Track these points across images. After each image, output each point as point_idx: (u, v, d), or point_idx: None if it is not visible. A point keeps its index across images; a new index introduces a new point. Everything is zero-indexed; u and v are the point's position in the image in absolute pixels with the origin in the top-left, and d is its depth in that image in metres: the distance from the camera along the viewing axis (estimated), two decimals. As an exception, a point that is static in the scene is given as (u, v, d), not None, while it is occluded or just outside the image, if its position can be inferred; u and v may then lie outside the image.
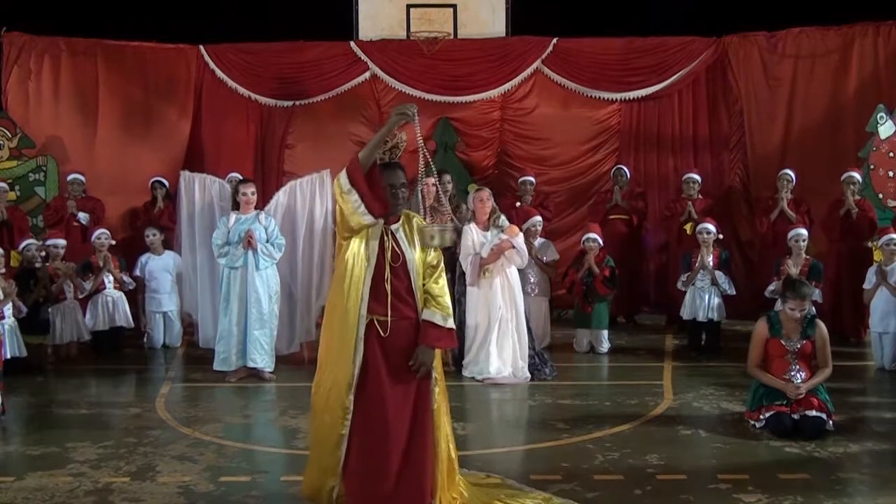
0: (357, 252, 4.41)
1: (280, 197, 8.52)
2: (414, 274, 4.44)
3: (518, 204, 10.14)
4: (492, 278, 7.85)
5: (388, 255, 4.40)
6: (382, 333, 4.35)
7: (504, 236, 7.83)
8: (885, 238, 8.41)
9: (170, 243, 9.74)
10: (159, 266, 9.53)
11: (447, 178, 9.58)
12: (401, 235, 4.47)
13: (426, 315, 4.42)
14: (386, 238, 4.44)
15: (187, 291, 8.88)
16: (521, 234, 8.02)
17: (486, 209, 7.99)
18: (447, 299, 4.50)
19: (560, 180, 11.43)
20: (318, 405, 4.46)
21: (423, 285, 4.46)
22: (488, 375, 7.74)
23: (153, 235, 9.60)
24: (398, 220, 4.51)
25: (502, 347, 7.82)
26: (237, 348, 7.84)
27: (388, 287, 4.38)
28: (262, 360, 7.84)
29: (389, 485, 4.33)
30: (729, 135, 11.32)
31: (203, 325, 8.69)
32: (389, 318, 4.37)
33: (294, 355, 8.52)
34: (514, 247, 7.80)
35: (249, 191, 7.99)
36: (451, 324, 4.46)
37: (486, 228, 7.96)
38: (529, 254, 8.97)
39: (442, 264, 4.56)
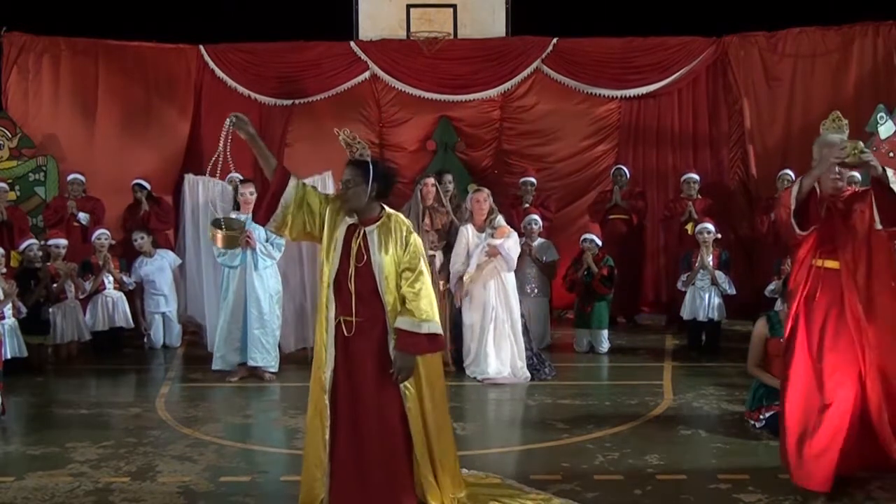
0: (325, 254, 4.42)
1: None
2: (381, 276, 4.35)
3: (527, 206, 10.11)
4: (485, 280, 7.82)
5: (353, 254, 4.37)
6: (346, 333, 4.34)
7: (493, 241, 7.78)
8: (889, 239, 8.41)
9: (159, 243, 9.75)
10: (154, 268, 9.54)
11: (448, 177, 9.57)
12: (374, 237, 4.40)
13: (398, 322, 4.33)
14: (355, 239, 4.39)
15: (192, 295, 8.88)
16: (512, 235, 7.94)
17: (482, 210, 7.95)
18: (423, 303, 4.35)
19: (559, 177, 11.43)
20: (310, 410, 4.48)
21: (399, 288, 4.38)
22: (487, 376, 7.73)
23: (141, 239, 9.60)
24: (375, 221, 4.43)
25: (500, 348, 7.82)
26: (235, 347, 7.85)
27: (351, 287, 4.35)
28: (263, 359, 7.84)
29: (365, 487, 4.32)
30: (728, 134, 11.32)
31: (210, 327, 8.67)
32: (354, 319, 4.34)
33: (298, 355, 8.52)
34: (499, 253, 7.74)
35: (248, 191, 8.01)
36: (427, 328, 4.31)
37: (482, 230, 7.93)
38: (529, 254, 8.99)
39: (421, 267, 4.40)
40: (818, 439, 4.73)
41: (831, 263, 4.79)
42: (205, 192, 8.71)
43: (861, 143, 4.72)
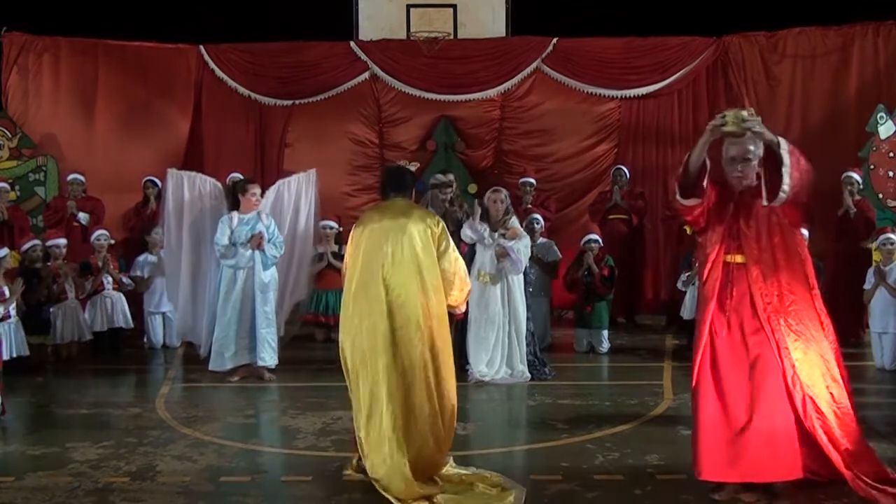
0: None
1: (269, 196, 8.52)
2: None
3: (527, 206, 10.11)
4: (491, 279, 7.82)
5: None
6: None
7: (504, 242, 7.76)
8: (881, 238, 8.41)
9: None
10: (158, 268, 9.50)
11: (450, 177, 9.55)
12: None
13: None
14: None
15: (171, 290, 8.78)
16: (524, 238, 7.90)
17: (498, 210, 7.91)
18: None
19: (559, 177, 11.44)
20: None
21: None
22: (486, 375, 7.73)
23: (156, 234, 9.53)
24: None
25: (499, 348, 7.80)
26: (238, 346, 7.83)
27: None
28: (271, 357, 7.85)
29: None
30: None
31: (182, 318, 8.64)
32: None
33: (299, 356, 8.55)
34: (508, 255, 7.72)
35: (259, 192, 8.00)
36: None
37: (496, 229, 7.88)
38: (530, 254, 8.96)
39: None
40: (779, 427, 4.63)
41: (740, 258, 4.72)
42: (191, 188, 8.56)
43: (744, 112, 4.52)
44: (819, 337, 4.73)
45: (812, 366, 4.67)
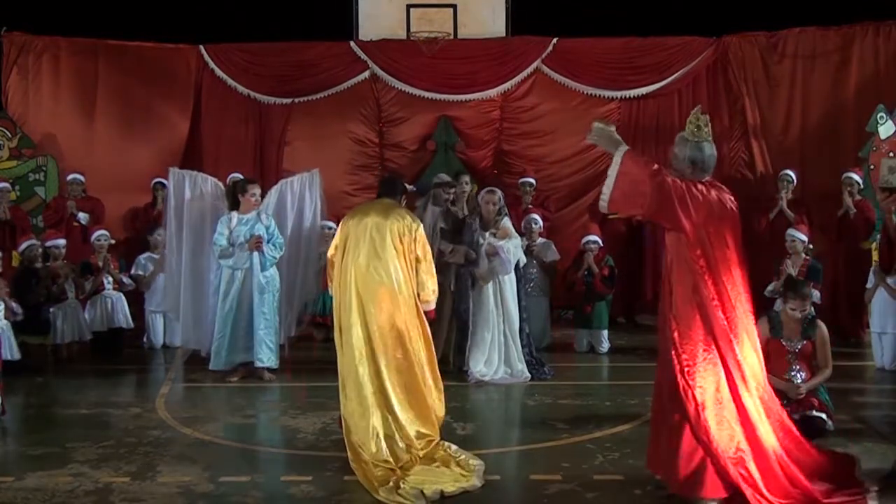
0: None
1: (272, 195, 8.53)
2: None
3: (527, 206, 10.10)
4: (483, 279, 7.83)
5: None
6: None
7: (494, 241, 7.78)
8: (879, 238, 8.42)
9: None
10: (159, 266, 9.50)
11: (465, 178, 9.55)
12: None
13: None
14: None
15: (171, 291, 8.79)
16: (513, 239, 7.91)
17: (489, 211, 7.95)
18: None
19: (559, 177, 11.44)
20: None
21: None
22: (486, 375, 7.73)
23: (159, 236, 9.53)
24: None
25: (495, 347, 7.80)
26: (237, 346, 7.83)
27: None
28: (269, 358, 7.84)
29: None
30: (729, 134, 11.32)
31: (185, 324, 8.66)
32: None
33: (299, 356, 8.55)
34: (497, 254, 7.73)
35: (259, 192, 7.99)
36: None
37: (487, 229, 7.92)
38: (530, 254, 8.98)
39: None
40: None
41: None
42: (192, 188, 8.57)
43: (600, 124, 4.71)
44: (705, 346, 4.70)
45: (707, 374, 4.68)
